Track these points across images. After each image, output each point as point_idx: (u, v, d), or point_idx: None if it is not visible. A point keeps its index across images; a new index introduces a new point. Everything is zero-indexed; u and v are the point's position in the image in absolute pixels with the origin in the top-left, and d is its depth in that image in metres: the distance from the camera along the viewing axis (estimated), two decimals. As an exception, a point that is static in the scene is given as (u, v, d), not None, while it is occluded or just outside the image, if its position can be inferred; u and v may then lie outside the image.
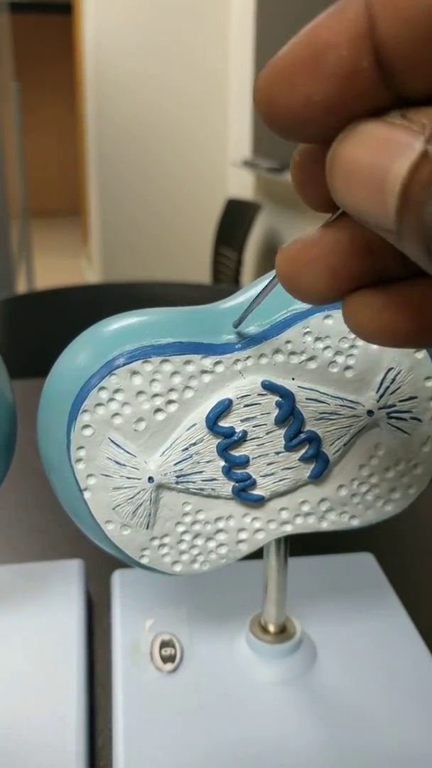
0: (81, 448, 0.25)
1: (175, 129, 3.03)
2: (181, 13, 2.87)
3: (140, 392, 0.24)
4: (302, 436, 0.25)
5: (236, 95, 2.93)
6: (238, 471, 0.26)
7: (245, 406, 0.25)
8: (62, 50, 5.67)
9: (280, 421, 0.25)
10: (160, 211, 3.13)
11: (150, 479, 0.25)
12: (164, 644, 0.33)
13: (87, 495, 0.25)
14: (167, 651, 0.32)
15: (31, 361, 0.90)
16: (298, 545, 0.43)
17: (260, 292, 0.22)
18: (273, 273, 0.22)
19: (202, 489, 0.26)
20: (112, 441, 0.25)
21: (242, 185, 2.97)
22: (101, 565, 0.41)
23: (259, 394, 0.25)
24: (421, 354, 0.25)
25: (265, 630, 0.32)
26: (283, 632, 0.32)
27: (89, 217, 3.63)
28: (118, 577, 0.37)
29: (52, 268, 4.22)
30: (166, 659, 0.32)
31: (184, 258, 3.20)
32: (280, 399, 0.25)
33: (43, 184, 6.06)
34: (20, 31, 5.60)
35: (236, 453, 0.25)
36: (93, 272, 3.57)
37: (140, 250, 3.17)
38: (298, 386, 0.25)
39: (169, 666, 0.32)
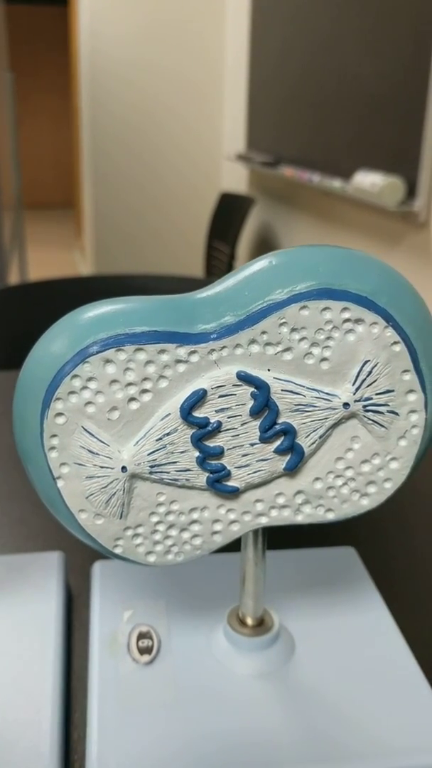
0: (54, 436, 0.25)
1: (170, 122, 3.02)
2: (177, 3, 2.85)
3: (114, 381, 0.24)
4: (277, 427, 0.25)
5: (231, 88, 2.92)
6: (213, 462, 0.25)
7: (220, 396, 0.25)
8: (57, 41, 5.64)
9: (255, 413, 0.25)
10: (154, 205, 3.12)
11: (123, 469, 0.25)
12: (142, 636, 0.33)
13: (60, 483, 0.25)
14: (144, 642, 0.32)
15: (22, 353, 0.90)
16: (281, 538, 0.43)
17: None
18: None
19: (176, 479, 0.25)
20: (86, 429, 0.25)
21: (236, 179, 2.97)
22: (81, 558, 0.41)
23: (234, 385, 0.25)
24: (399, 347, 0.25)
25: (242, 623, 0.32)
26: (261, 625, 0.32)
27: (83, 209, 3.62)
28: (98, 569, 0.37)
29: (45, 260, 4.20)
30: (143, 651, 0.32)
31: (177, 251, 3.19)
32: (256, 390, 0.25)
33: (37, 176, 6.03)
34: (14, 21, 5.57)
35: (211, 443, 0.25)
36: (86, 265, 3.56)
37: (134, 243, 3.16)
38: (274, 377, 0.25)
39: (146, 658, 0.31)
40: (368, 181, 1.64)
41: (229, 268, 2.42)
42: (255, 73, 2.54)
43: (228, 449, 0.25)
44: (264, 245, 2.73)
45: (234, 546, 0.29)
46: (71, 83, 3.90)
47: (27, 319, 0.96)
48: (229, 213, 2.56)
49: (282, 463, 0.26)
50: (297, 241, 2.41)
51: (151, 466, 0.25)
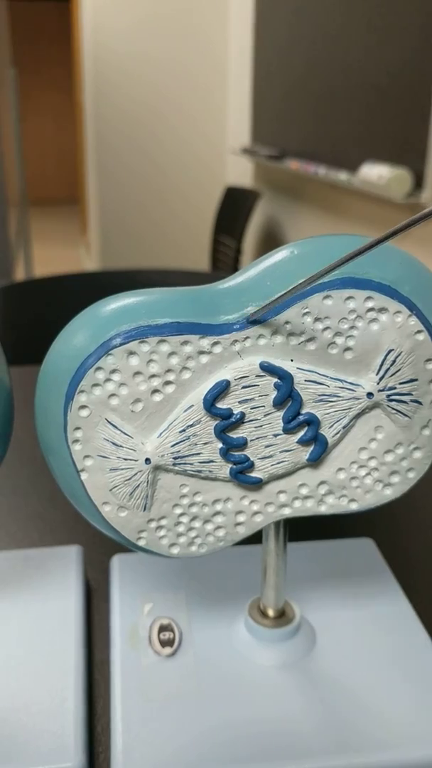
0: (78, 428, 0.25)
1: (174, 116, 3.01)
2: (179, -1, 2.84)
3: (137, 373, 0.24)
4: (301, 418, 0.25)
5: (236, 81, 2.91)
6: (236, 453, 0.25)
7: (243, 387, 0.25)
8: (59, 36, 5.63)
9: (278, 403, 0.25)
10: (159, 200, 3.11)
11: (147, 461, 0.25)
12: (163, 628, 0.33)
13: (84, 476, 0.25)
14: (166, 635, 0.32)
15: (29, 349, 0.90)
16: (299, 530, 0.43)
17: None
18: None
19: (199, 471, 0.25)
20: (109, 422, 0.24)
21: (241, 173, 2.96)
22: (100, 551, 0.41)
23: (257, 376, 0.25)
24: (422, 336, 0.25)
25: (264, 614, 0.32)
26: (282, 616, 0.32)
27: (88, 206, 3.61)
28: (116, 562, 0.37)
29: (51, 257, 4.20)
30: (164, 643, 0.32)
31: (183, 246, 3.19)
32: (279, 381, 0.25)
33: (41, 172, 6.03)
34: (16, 17, 5.56)
35: (234, 435, 0.25)
36: (92, 261, 3.56)
37: (139, 238, 3.16)
38: (297, 368, 0.25)
39: (168, 650, 0.31)
40: (375, 173, 1.63)
41: (235, 262, 2.41)
42: (259, 65, 2.53)
43: (251, 440, 0.25)
44: (270, 239, 2.73)
45: (252, 538, 0.29)
46: (74, 78, 3.89)
47: (34, 315, 0.96)
48: (234, 207, 2.56)
49: (305, 453, 0.26)
50: (304, 234, 2.41)
51: (175, 458, 0.25)
